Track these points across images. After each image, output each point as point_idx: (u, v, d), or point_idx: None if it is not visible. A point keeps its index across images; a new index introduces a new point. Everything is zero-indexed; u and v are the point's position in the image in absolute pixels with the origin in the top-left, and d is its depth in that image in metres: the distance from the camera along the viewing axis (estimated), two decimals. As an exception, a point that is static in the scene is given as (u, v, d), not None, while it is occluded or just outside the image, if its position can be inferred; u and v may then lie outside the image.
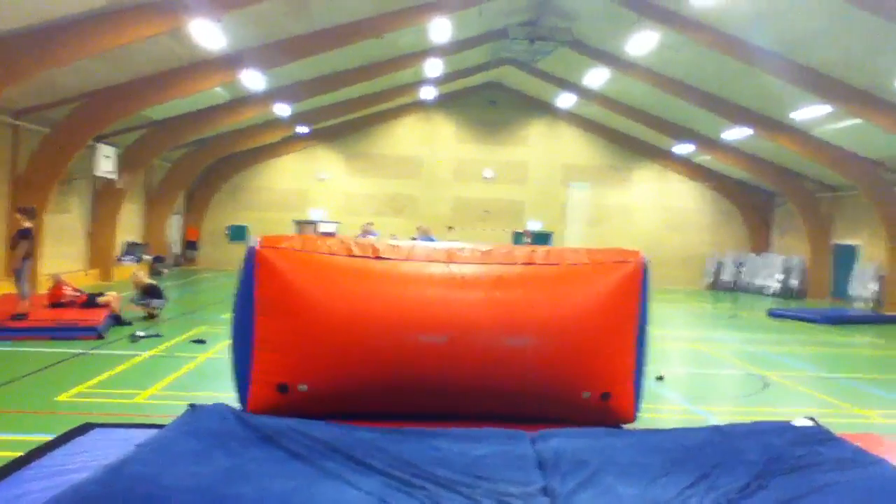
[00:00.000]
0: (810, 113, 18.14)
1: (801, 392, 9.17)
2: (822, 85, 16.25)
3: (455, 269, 5.48)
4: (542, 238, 27.66)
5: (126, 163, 20.07)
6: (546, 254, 5.75)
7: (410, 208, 28.29)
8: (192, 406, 4.66)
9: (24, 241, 10.89)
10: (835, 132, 19.35)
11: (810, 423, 4.81)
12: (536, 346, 5.19)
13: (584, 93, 24.78)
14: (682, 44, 17.19)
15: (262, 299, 5.21)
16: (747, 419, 5.64)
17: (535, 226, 28.33)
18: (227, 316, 6.20)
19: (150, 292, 12.93)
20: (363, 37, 16.86)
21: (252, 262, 5.29)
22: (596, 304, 5.38)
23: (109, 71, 15.15)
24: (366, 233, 18.83)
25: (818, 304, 22.98)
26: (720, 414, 7.64)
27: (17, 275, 11.03)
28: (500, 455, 4.22)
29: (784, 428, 4.75)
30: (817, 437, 4.58)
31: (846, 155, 20.40)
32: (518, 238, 27.66)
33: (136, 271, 13.72)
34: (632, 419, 5.38)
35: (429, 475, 3.94)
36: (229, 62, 16.36)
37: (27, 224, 11.07)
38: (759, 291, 26.25)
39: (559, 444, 4.35)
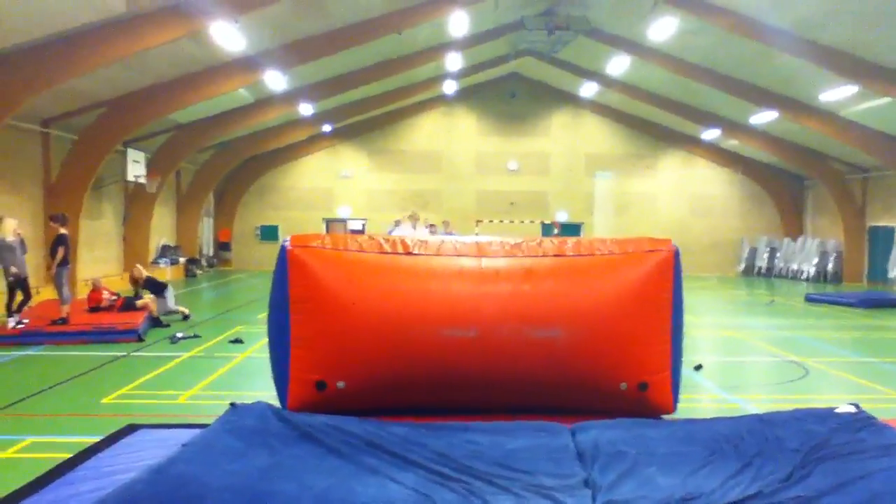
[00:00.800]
0: (837, 94, 17.76)
1: (842, 378, 9.02)
2: (847, 64, 15.89)
3: (485, 262, 5.49)
4: (571, 229, 27.52)
5: (155, 166, 20.38)
6: (576, 245, 5.72)
7: (435, 203, 28.31)
8: (233, 405, 4.74)
9: (61, 248, 11.15)
10: (863, 112, 18.92)
11: (853, 410, 4.73)
12: (570, 338, 5.18)
13: (605, 81, 24.54)
14: (702, 28, 16.94)
15: (296, 298, 5.28)
16: (788, 407, 5.56)
17: (562, 216, 28.19)
18: (263, 315, 6.29)
19: (150, 286, 12.85)
20: (381, 34, 16.90)
21: (284, 261, 5.35)
22: (629, 294, 5.35)
23: (133, 76, 15.38)
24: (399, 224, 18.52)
25: (855, 287, 22.54)
26: (760, 402, 7.54)
27: (56, 281, 11.30)
28: (539, 447, 4.22)
29: (826, 415, 4.69)
30: (860, 423, 4.50)
31: (876, 135, 19.94)
32: (547, 230, 27.55)
33: (133, 268, 13.62)
34: (671, 410, 5.34)
35: (468, 469, 3.96)
36: (250, 64, 16.51)
37: (62, 230, 11.33)
38: (795, 276, 25.84)
39: (598, 435, 4.34)
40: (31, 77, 12.41)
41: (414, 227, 17.30)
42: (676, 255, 5.51)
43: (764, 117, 21.89)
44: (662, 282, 5.43)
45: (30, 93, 12.66)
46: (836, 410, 4.74)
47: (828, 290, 20.75)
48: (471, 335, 5.13)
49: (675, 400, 5.41)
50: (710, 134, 26.38)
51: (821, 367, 9.61)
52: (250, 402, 4.85)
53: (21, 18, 11.13)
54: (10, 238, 10.77)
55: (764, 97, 20.31)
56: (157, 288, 13.04)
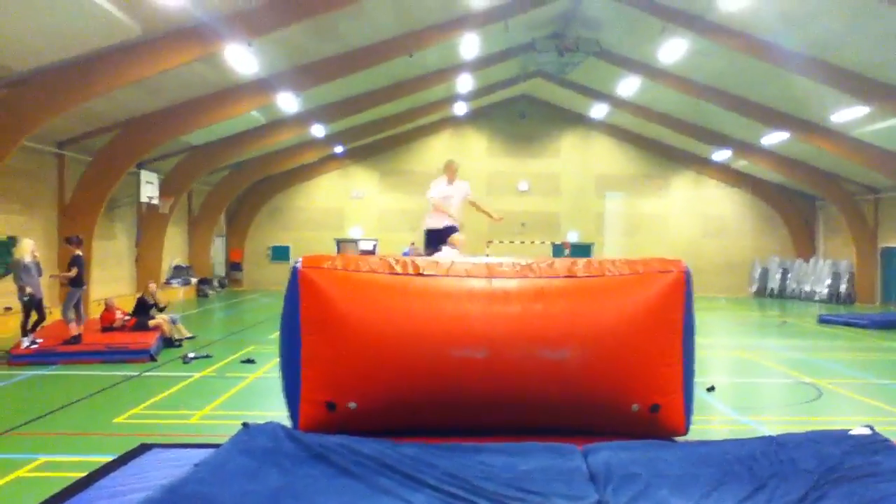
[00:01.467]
0: (848, 114, 17.78)
1: (856, 400, 8.92)
2: (858, 85, 15.92)
3: (496, 283, 5.49)
4: (581, 250, 27.50)
5: (168, 188, 20.60)
6: (587, 266, 5.72)
7: (445, 223, 28.38)
8: (245, 425, 4.75)
9: (74, 268, 11.27)
10: (874, 133, 18.91)
11: (868, 432, 4.68)
12: (581, 359, 5.16)
13: (615, 102, 24.66)
14: (712, 49, 17.02)
15: (307, 319, 5.29)
16: (801, 429, 5.50)
17: (573, 237, 28.17)
18: (275, 335, 6.32)
19: (142, 307, 12.65)
20: (393, 56, 17.09)
21: (296, 282, 5.38)
22: (640, 314, 5.33)
23: (147, 98, 15.60)
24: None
25: (868, 308, 22.34)
26: (773, 424, 7.47)
27: (66, 300, 11.39)
28: (550, 469, 4.20)
29: (840, 437, 4.64)
30: (875, 445, 4.45)
31: (888, 155, 19.89)
32: (558, 250, 27.54)
33: (150, 284, 13.49)
34: (683, 431, 5.29)
35: (479, 490, 3.94)
36: (263, 86, 16.73)
37: (77, 252, 11.46)
38: (808, 298, 25.65)
39: (610, 457, 4.32)
40: (47, 99, 12.63)
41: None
42: (688, 275, 5.49)
43: (775, 138, 21.89)
44: (674, 303, 5.41)
45: (46, 115, 12.88)
46: (851, 433, 4.69)
47: (840, 312, 20.58)
48: (481, 356, 5.13)
49: (688, 421, 5.36)
50: (721, 155, 26.39)
51: (834, 388, 9.51)
52: (262, 422, 4.86)
53: (38, 42, 11.36)
54: (27, 259, 10.91)
55: (775, 118, 20.33)
56: (146, 310, 12.75)
